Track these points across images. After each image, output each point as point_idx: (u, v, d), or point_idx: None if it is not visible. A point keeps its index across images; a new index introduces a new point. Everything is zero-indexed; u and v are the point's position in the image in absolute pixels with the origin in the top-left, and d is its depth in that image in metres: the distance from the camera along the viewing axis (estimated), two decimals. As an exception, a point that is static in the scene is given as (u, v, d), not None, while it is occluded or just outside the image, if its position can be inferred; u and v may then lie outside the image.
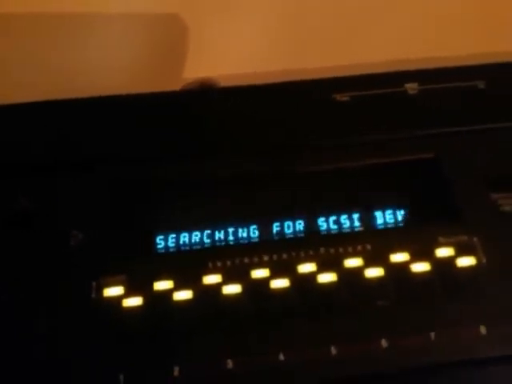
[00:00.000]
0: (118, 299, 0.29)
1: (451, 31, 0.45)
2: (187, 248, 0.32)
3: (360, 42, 0.45)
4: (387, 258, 0.30)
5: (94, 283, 0.30)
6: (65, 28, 0.45)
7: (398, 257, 0.30)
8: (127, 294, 0.29)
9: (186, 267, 0.30)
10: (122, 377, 0.27)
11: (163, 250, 0.32)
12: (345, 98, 0.37)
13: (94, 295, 0.29)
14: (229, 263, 0.30)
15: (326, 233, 0.32)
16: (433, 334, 0.27)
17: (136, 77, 0.44)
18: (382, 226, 0.32)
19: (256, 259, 0.30)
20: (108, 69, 0.44)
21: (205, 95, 0.39)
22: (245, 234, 0.32)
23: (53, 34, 0.44)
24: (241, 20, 0.46)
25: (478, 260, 0.30)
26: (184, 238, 0.32)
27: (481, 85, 0.37)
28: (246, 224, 0.33)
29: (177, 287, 0.29)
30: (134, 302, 0.29)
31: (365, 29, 0.46)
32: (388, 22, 0.46)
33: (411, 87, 0.37)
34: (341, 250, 0.30)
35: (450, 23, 0.46)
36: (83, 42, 0.45)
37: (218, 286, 0.29)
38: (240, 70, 0.44)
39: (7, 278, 0.30)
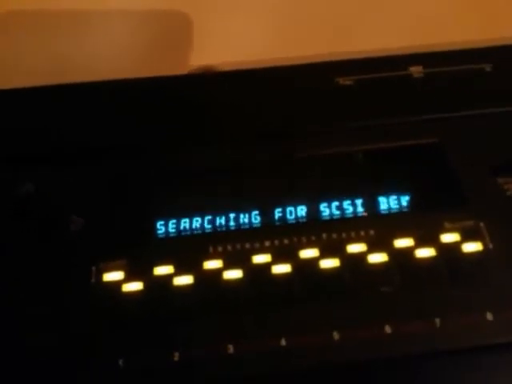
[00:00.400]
0: (117, 284, 0.29)
1: (454, 18, 0.44)
2: (188, 233, 0.32)
3: (363, 29, 0.45)
4: (391, 244, 0.29)
5: (93, 268, 0.29)
6: (73, 19, 0.44)
7: (403, 242, 0.29)
8: (127, 279, 0.29)
9: (187, 252, 0.30)
10: (121, 362, 0.27)
11: (163, 235, 0.32)
12: (348, 82, 0.36)
13: (93, 280, 0.29)
14: (230, 248, 0.30)
15: (328, 218, 0.32)
16: (438, 321, 0.27)
17: (139, 66, 0.43)
18: (386, 212, 0.32)
19: (257, 244, 0.30)
20: (111, 59, 0.44)
21: (205, 80, 0.39)
22: (246, 220, 0.32)
23: (61, 26, 0.44)
24: (243, 7, 0.45)
25: (485, 245, 0.29)
26: (185, 223, 0.32)
27: (487, 68, 0.36)
28: (247, 209, 0.32)
29: (177, 272, 0.29)
30: (134, 286, 0.29)
31: (368, 16, 0.45)
32: (391, 8, 0.45)
33: (416, 70, 0.36)
34: (344, 235, 0.30)
35: (454, 9, 0.45)
36: (88, 34, 0.44)
37: (219, 271, 0.29)
38: (243, 58, 0.43)
39: (7, 263, 0.29)
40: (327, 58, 0.37)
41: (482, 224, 0.30)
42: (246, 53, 0.43)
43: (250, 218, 0.32)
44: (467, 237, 0.29)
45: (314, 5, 0.46)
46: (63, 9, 0.44)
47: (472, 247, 0.29)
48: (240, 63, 0.39)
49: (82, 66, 0.43)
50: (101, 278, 0.29)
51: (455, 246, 0.29)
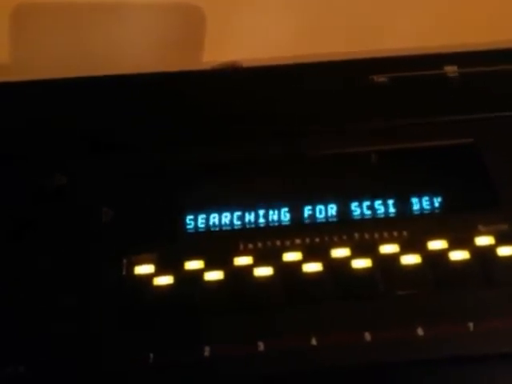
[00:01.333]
0: (148, 277, 0.29)
1: (487, 17, 0.44)
2: (217, 229, 0.32)
3: (393, 28, 0.44)
4: (424, 245, 0.29)
5: (124, 260, 0.29)
6: (99, 14, 0.45)
7: (436, 244, 0.29)
8: (158, 273, 0.29)
9: (218, 248, 0.30)
10: (151, 355, 0.27)
11: (193, 230, 0.32)
12: (382, 79, 0.36)
13: (124, 272, 0.29)
14: (260, 245, 0.30)
15: (359, 218, 0.31)
16: (471, 325, 0.27)
17: (162, 61, 0.43)
18: (419, 213, 0.31)
19: (288, 242, 0.30)
20: (134, 52, 0.44)
21: (232, 75, 0.38)
22: (275, 217, 0.32)
23: (89, 19, 0.44)
24: (269, 3, 0.45)
25: (520, 249, 0.29)
26: (214, 218, 0.32)
27: (524, 69, 0.35)
28: (276, 206, 0.32)
29: (207, 267, 0.29)
30: (165, 280, 0.29)
31: (396, 14, 0.44)
32: (421, 6, 0.44)
33: (451, 70, 0.36)
34: (376, 235, 0.30)
35: (488, 9, 0.44)
36: (112, 30, 0.45)
37: (250, 268, 0.29)
38: (267, 55, 0.43)
39: (39, 254, 0.30)
40: (353, 57, 0.37)
41: (517, 227, 0.29)
42: (270, 50, 0.43)
43: (279, 215, 0.32)
44: (502, 240, 0.29)
45: (341, 1, 0.45)
46: (87, 2, 0.44)
47: (506, 251, 0.29)
48: (264, 60, 0.39)
49: (106, 60, 0.43)
50: (132, 270, 0.29)
51: (489, 250, 0.29)
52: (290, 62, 0.37)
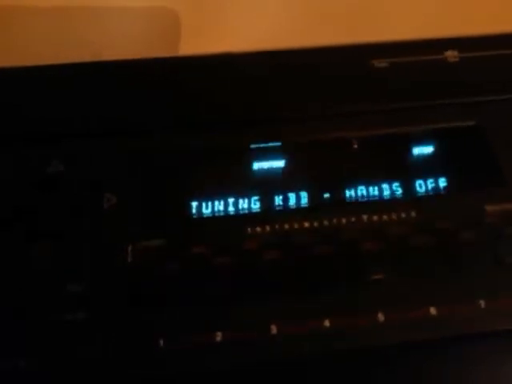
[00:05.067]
0: (155, 263, 0.28)
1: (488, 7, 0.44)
2: (222, 214, 0.31)
3: (390, 18, 0.44)
4: (432, 226, 0.29)
5: (130, 247, 0.29)
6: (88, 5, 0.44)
7: (444, 225, 0.29)
8: (164, 259, 0.28)
9: (224, 232, 0.29)
10: (161, 342, 0.26)
11: (198, 216, 0.31)
12: (383, 64, 0.35)
13: (130, 259, 0.28)
14: (268, 230, 0.29)
15: (366, 200, 0.31)
16: (483, 302, 0.27)
17: (152, 52, 0.43)
18: (425, 194, 0.31)
19: (296, 226, 0.30)
20: (124, 46, 0.44)
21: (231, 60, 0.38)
22: (281, 202, 0.31)
23: (77, 12, 0.44)
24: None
25: (527, 229, 0.29)
26: (219, 204, 0.31)
27: (524, 53, 0.36)
28: (282, 191, 0.32)
29: (215, 252, 0.29)
30: (172, 266, 0.28)
31: (395, 4, 0.44)
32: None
33: (451, 55, 0.36)
34: (385, 217, 0.30)
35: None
36: (105, 17, 0.44)
37: (257, 253, 0.29)
38: (259, 45, 0.42)
39: (40, 243, 0.29)
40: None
41: (522, 207, 0.29)
42: (265, 42, 0.43)
43: (285, 200, 0.32)
44: (508, 220, 0.29)
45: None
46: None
47: (514, 230, 0.29)
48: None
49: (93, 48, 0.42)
50: (138, 257, 0.28)
51: (497, 229, 0.29)
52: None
